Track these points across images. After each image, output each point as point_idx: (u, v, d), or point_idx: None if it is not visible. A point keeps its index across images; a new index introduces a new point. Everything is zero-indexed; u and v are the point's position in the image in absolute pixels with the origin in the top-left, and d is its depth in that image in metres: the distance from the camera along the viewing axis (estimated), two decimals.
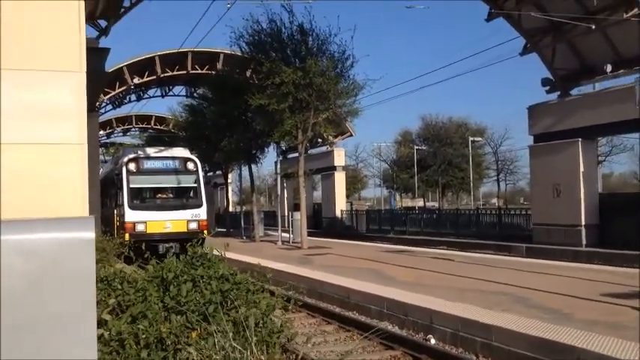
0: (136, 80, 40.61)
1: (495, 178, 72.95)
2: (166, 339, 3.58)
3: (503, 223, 29.36)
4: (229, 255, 19.61)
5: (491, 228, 29.75)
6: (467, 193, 74.97)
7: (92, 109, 19.95)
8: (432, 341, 9.56)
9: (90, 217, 2.55)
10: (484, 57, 56.40)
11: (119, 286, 4.45)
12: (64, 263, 2.47)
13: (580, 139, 22.72)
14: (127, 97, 47.68)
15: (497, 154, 69.04)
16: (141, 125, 58.62)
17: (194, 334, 3.66)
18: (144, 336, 3.63)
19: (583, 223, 22.46)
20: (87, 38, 18.24)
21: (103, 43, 18.94)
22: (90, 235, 2.52)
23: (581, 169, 22.70)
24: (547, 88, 24.81)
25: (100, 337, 3.81)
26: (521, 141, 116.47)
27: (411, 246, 25.56)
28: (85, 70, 4.16)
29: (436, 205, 74.99)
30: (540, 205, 24.73)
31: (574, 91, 24.61)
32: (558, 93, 24.44)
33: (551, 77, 24.50)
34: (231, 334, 3.60)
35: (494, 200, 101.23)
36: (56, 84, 4.03)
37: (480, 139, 61.17)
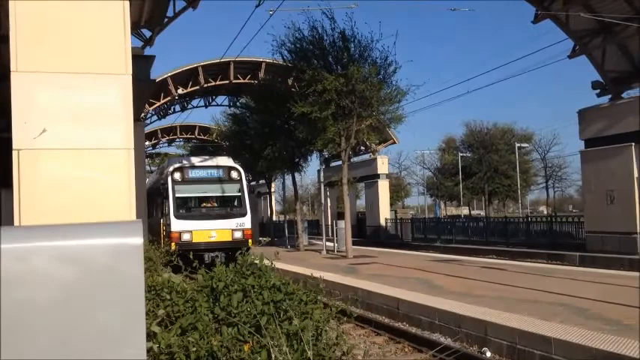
0: (180, 91, 41.08)
1: (543, 185, 71.47)
2: (217, 352, 3.39)
3: (554, 231, 28.55)
4: (275, 265, 19.34)
5: (542, 236, 28.97)
6: (513, 201, 73.57)
7: (138, 118, 20.09)
8: (488, 354, 9.20)
9: (137, 220, 2.36)
10: (531, 60, 55.37)
11: (168, 297, 4.28)
12: (110, 271, 2.28)
13: (633, 144, 21.92)
14: (172, 108, 48.27)
15: (545, 160, 67.60)
16: (185, 135, 59.35)
17: (246, 347, 3.46)
18: (194, 349, 3.45)
19: (639, 230, 21.63)
20: (132, 47, 18.45)
21: (148, 53, 19.07)
22: (138, 240, 2.32)
23: (636, 174, 21.88)
24: (597, 91, 24.09)
25: (148, 351, 3.65)
26: (570, 147, 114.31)
27: (459, 255, 25.05)
28: (131, 72, 4.05)
29: (481, 213, 73.83)
30: (593, 212, 23.92)
31: (626, 94, 23.78)
32: (609, 96, 23.67)
33: (602, 80, 23.77)
34: (285, 347, 3.40)
35: (542, 208, 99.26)
36: (102, 87, 3.90)
37: (526, 145, 59.90)
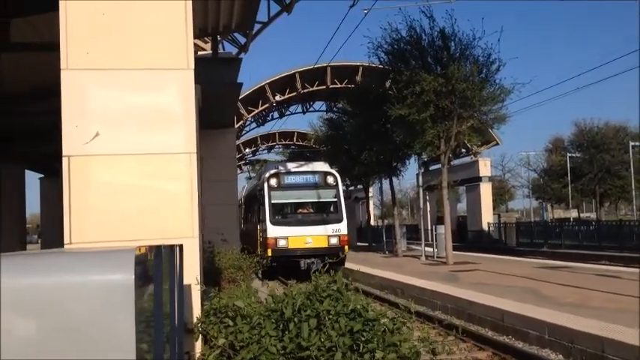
0: (278, 97, 41.46)
1: None
2: None
3: None
4: (371, 271, 18.74)
5: None
6: (626, 203, 69.21)
7: (229, 124, 20.09)
8: None
9: (129, 249, 1.78)
10: None
11: (231, 323, 3.80)
12: (85, 324, 1.61)
13: None
14: (270, 115, 48.81)
15: None
16: (284, 142, 59.93)
17: None
18: None
19: None
20: (222, 52, 18.45)
21: (244, 59, 19.05)
22: (126, 277, 1.64)
23: None
24: None
25: None
26: None
27: (568, 261, 23.52)
28: (193, 67, 3.63)
29: (591, 215, 69.91)
30: None
31: None
32: None
33: None
34: None
35: None
36: (160, 84, 3.43)
37: None
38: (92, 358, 1.65)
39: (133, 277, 1.57)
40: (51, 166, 26.37)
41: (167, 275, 2.59)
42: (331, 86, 40.49)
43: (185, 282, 3.37)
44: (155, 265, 2.10)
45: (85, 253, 1.93)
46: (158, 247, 2.21)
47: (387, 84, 27.91)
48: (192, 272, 3.64)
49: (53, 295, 1.61)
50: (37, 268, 1.65)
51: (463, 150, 41.24)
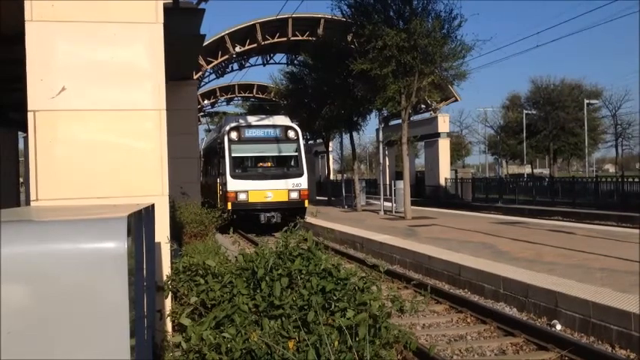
0: (238, 49, 40.72)
1: (610, 143, 68.48)
2: (257, 351, 2.88)
3: (625, 191, 27.12)
4: (331, 225, 18.86)
5: (611, 197, 27.62)
6: (578, 159, 71.00)
7: (190, 76, 19.71)
8: (558, 327, 8.54)
9: (121, 217, 1.71)
10: (605, 12, 52.24)
11: (202, 281, 3.81)
12: (74, 292, 1.58)
13: None
14: (230, 66, 48.02)
15: (615, 117, 64.58)
16: (243, 94, 59.22)
17: (291, 345, 2.95)
18: (227, 348, 2.94)
19: None
20: (183, 1, 17.96)
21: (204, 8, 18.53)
22: (119, 246, 1.60)
23: None
24: None
25: (177, 346, 3.23)
26: None
27: (522, 216, 24.16)
28: (162, 21, 3.54)
29: (544, 171, 71.66)
30: None
31: None
32: None
33: None
34: (336, 344, 2.89)
35: (607, 166, 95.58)
36: (129, 38, 3.36)
37: (596, 101, 57.15)
38: (84, 330, 1.61)
39: (126, 245, 1.54)
40: (5, 115, 24.68)
41: (146, 237, 2.58)
42: (292, 38, 39.93)
43: (155, 240, 3.37)
44: (136, 229, 2.07)
45: (74, 220, 1.88)
46: (139, 211, 2.18)
47: (349, 38, 27.72)
48: (162, 230, 3.63)
49: (41, 265, 1.52)
50: (23, 235, 1.59)
51: (423, 106, 41.49)
